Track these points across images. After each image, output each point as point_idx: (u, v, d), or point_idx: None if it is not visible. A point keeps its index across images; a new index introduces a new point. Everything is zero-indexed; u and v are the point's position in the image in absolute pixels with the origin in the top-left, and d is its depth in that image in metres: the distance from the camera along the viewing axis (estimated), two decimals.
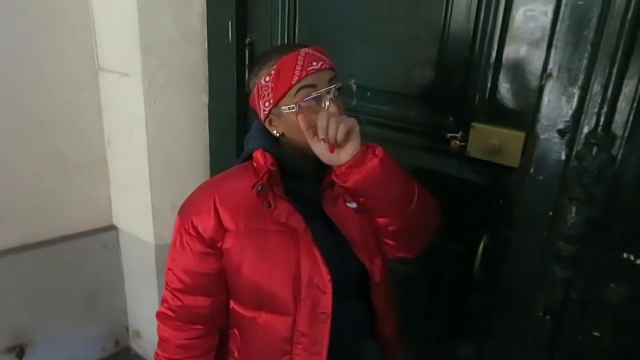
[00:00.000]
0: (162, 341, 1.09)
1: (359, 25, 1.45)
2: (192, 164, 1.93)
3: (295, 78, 0.93)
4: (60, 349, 2.09)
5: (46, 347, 2.05)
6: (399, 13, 1.36)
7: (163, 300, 1.08)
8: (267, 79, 0.95)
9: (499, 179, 1.28)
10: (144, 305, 2.17)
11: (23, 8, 1.70)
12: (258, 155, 0.99)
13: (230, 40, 1.72)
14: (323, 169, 1.01)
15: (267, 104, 0.97)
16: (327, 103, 0.93)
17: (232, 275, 1.03)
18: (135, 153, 1.87)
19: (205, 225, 0.99)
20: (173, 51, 1.77)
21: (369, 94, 1.47)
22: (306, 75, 0.93)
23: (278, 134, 1.01)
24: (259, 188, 0.93)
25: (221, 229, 0.99)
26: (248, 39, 1.73)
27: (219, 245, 1.00)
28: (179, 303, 1.04)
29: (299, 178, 1.02)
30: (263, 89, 0.96)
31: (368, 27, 1.43)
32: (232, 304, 1.08)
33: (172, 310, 1.06)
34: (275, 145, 1.02)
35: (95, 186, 2.06)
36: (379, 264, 1.10)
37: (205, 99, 1.90)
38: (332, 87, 0.94)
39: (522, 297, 1.28)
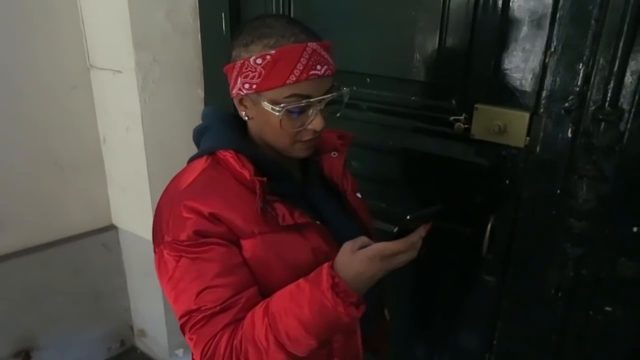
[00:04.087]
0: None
1: (356, 10, 1.43)
2: None
3: (293, 78, 0.80)
4: (66, 351, 2.07)
5: (52, 350, 2.03)
6: None
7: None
8: (259, 61, 0.81)
9: (504, 160, 1.27)
10: (147, 303, 2.16)
11: (11, 6, 1.66)
12: (231, 160, 0.86)
13: (224, 32, 1.70)
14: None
15: (247, 85, 0.83)
16: (313, 114, 0.84)
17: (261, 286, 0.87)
18: (132, 151, 1.85)
19: (216, 226, 0.83)
20: (166, 46, 1.74)
21: (368, 80, 1.46)
22: (306, 78, 0.80)
23: (247, 118, 0.89)
24: (262, 206, 0.82)
25: (234, 236, 0.84)
26: None
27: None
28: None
29: (281, 178, 0.91)
30: (249, 68, 0.82)
31: (366, 12, 1.41)
32: None
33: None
34: (244, 138, 0.91)
35: (92, 186, 2.03)
36: None
37: (201, 92, 1.88)
38: (324, 97, 0.84)
39: (532, 277, 1.28)
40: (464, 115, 1.30)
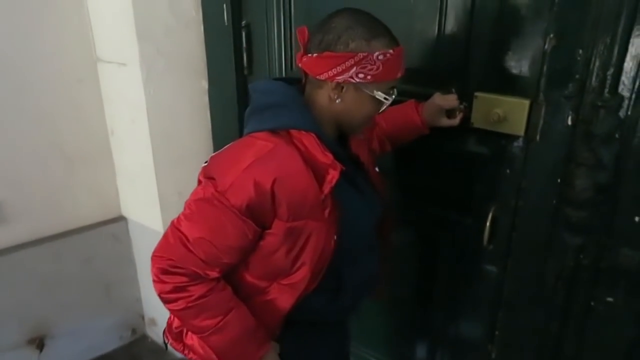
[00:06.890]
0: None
1: (355, 1, 1.41)
2: (196, 150, 1.92)
3: (399, 74, 0.97)
4: (78, 339, 2.12)
5: (65, 338, 2.08)
6: None
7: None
8: (381, 57, 0.92)
9: (504, 149, 1.26)
10: None
11: (17, 2, 1.69)
12: (312, 143, 0.94)
13: (226, 24, 1.70)
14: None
15: (361, 75, 0.93)
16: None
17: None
18: (138, 142, 1.87)
19: (260, 208, 0.94)
20: (169, 38, 1.75)
21: None
22: (402, 74, 0.98)
23: (338, 101, 0.97)
24: (330, 191, 0.94)
25: (272, 215, 0.95)
26: (244, 21, 1.70)
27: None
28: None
29: (339, 156, 1.00)
30: (370, 62, 0.92)
31: (365, 3, 1.39)
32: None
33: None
34: (315, 121, 0.98)
35: (101, 178, 2.06)
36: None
37: (204, 84, 1.89)
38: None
39: (533, 267, 1.27)
40: (463, 103, 1.27)
